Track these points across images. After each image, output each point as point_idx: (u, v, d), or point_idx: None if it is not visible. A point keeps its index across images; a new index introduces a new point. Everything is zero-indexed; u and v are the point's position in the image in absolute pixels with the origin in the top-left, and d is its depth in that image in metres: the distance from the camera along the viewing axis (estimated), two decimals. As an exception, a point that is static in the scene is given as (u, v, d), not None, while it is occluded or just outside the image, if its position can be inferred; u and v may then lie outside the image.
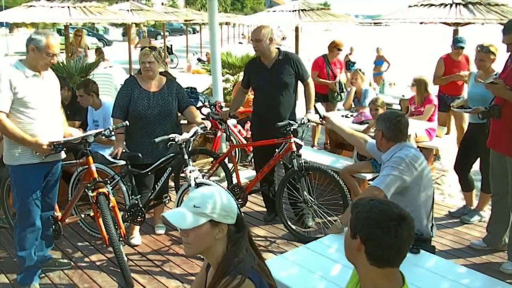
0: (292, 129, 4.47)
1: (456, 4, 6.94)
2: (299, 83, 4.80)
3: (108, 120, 4.75)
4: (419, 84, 6.10)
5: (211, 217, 1.90)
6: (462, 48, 6.26)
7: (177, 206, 4.22)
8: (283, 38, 34.99)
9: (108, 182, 4.07)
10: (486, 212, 4.84)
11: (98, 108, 5.14)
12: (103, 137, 4.04)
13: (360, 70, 7.14)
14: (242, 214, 3.93)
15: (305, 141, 6.33)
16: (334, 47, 7.52)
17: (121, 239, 3.91)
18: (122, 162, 4.28)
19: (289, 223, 4.63)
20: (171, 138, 4.01)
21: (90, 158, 3.88)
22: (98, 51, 11.40)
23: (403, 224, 1.61)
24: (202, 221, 1.90)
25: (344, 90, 7.44)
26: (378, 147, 3.38)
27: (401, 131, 3.28)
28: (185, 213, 1.91)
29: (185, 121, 5.11)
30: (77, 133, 3.90)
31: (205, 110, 6.26)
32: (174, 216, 1.95)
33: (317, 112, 4.24)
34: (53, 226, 4.05)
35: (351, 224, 1.69)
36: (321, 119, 4.04)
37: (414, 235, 1.64)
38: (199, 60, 21.48)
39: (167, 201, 4.48)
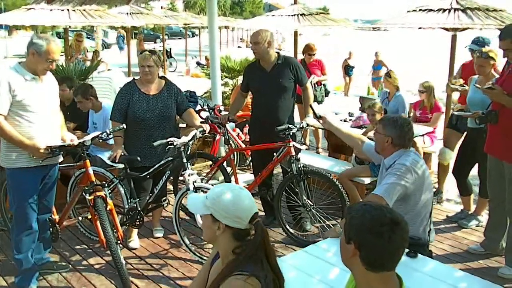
0: (291, 133, 4.48)
1: (455, 9, 6.95)
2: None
3: (108, 123, 4.76)
4: (429, 90, 6.08)
5: (211, 212, 1.97)
6: (473, 50, 5.30)
7: (176, 210, 4.24)
8: (283, 40, 35.05)
9: (106, 185, 4.07)
10: (484, 217, 4.85)
11: (98, 110, 5.16)
12: (100, 140, 4.04)
13: (386, 73, 6.72)
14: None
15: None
16: (305, 51, 7.72)
17: (119, 242, 3.91)
18: (121, 165, 4.28)
19: (288, 227, 4.63)
20: (169, 142, 4.01)
21: (88, 162, 3.88)
22: (95, 54, 11.40)
23: (396, 229, 1.61)
24: (205, 212, 2.00)
25: (318, 91, 7.49)
26: (380, 152, 3.34)
27: (410, 139, 3.30)
28: (199, 199, 2.04)
29: (184, 125, 5.12)
30: (74, 139, 3.89)
31: (204, 114, 6.27)
32: (192, 198, 2.11)
33: (313, 112, 4.24)
34: (51, 229, 4.05)
35: (345, 230, 1.70)
36: (317, 119, 4.05)
37: (408, 239, 1.65)
38: (198, 63, 21.50)
39: (166, 204, 4.47)
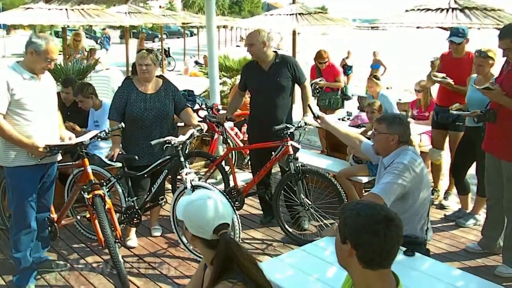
0: (289, 132, 4.49)
1: (453, 9, 6.97)
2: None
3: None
4: (425, 89, 6.09)
5: (183, 219, 2.01)
6: (452, 42, 5.13)
7: (173, 209, 4.24)
8: (281, 40, 35.03)
9: (104, 184, 4.07)
10: (482, 216, 4.86)
11: (98, 108, 5.17)
12: (99, 139, 4.05)
13: (374, 76, 6.75)
14: (239, 216, 3.96)
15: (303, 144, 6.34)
16: (316, 59, 7.59)
17: (117, 241, 3.91)
18: (119, 164, 4.28)
19: (286, 225, 4.64)
20: (167, 141, 4.01)
21: (86, 160, 3.88)
22: (92, 52, 11.39)
23: (391, 226, 1.62)
24: (181, 218, 2.03)
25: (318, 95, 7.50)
26: (382, 152, 3.32)
27: (410, 135, 3.34)
28: (181, 204, 2.05)
29: (182, 124, 5.12)
30: (72, 138, 3.89)
31: (202, 113, 6.27)
32: (180, 201, 2.08)
33: (311, 111, 4.25)
34: (49, 228, 4.04)
35: (340, 230, 1.70)
36: (315, 119, 4.05)
37: (403, 235, 1.66)
38: (197, 63, 21.52)
39: (163, 203, 4.48)
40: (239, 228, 3.94)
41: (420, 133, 5.86)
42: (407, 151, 3.24)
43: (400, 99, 8.44)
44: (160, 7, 33.55)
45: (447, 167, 5.47)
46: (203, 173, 5.77)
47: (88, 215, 4.00)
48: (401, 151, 3.23)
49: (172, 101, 4.42)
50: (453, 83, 5.01)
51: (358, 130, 5.80)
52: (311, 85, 7.29)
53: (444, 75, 5.05)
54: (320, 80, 7.49)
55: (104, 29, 18.38)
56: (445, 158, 5.65)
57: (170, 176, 5.02)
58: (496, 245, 4.25)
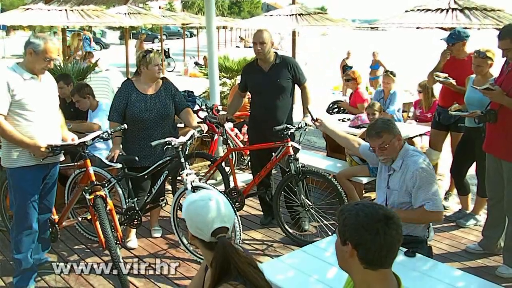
0: (289, 133, 4.49)
1: (453, 9, 6.98)
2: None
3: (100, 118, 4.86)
4: (426, 89, 6.10)
5: (184, 217, 2.02)
6: (448, 43, 5.11)
7: (174, 210, 4.24)
8: (281, 40, 35.09)
9: (105, 185, 4.07)
10: (482, 216, 4.86)
11: (94, 109, 5.17)
12: (101, 140, 4.04)
13: (390, 72, 6.83)
14: (239, 217, 3.96)
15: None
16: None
17: (117, 242, 3.91)
18: (119, 165, 4.28)
19: (286, 226, 4.63)
20: (167, 142, 4.01)
21: (88, 161, 3.88)
22: (89, 55, 11.39)
23: (391, 224, 1.63)
24: (183, 217, 2.03)
25: None
26: (395, 156, 3.30)
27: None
28: (185, 203, 2.06)
29: (182, 124, 5.12)
30: (75, 138, 3.89)
31: (202, 114, 6.27)
32: (185, 200, 2.11)
33: (310, 114, 4.25)
34: (50, 229, 4.04)
35: (339, 232, 1.70)
36: (313, 121, 4.05)
37: (402, 233, 1.66)
38: (196, 63, 21.53)
39: (164, 204, 4.47)
40: (239, 229, 3.94)
41: (421, 134, 5.86)
42: (409, 151, 3.25)
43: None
44: (159, 7, 33.51)
45: (447, 168, 5.47)
46: (203, 174, 5.76)
47: (89, 216, 4.00)
48: (405, 151, 3.24)
49: (172, 101, 4.42)
50: (455, 83, 5.00)
51: (358, 131, 5.80)
52: (334, 104, 7.41)
53: (446, 75, 5.04)
54: (341, 102, 7.62)
55: (84, 29, 17.97)
56: (446, 159, 5.65)
57: (170, 177, 5.02)
58: (497, 245, 4.24)
